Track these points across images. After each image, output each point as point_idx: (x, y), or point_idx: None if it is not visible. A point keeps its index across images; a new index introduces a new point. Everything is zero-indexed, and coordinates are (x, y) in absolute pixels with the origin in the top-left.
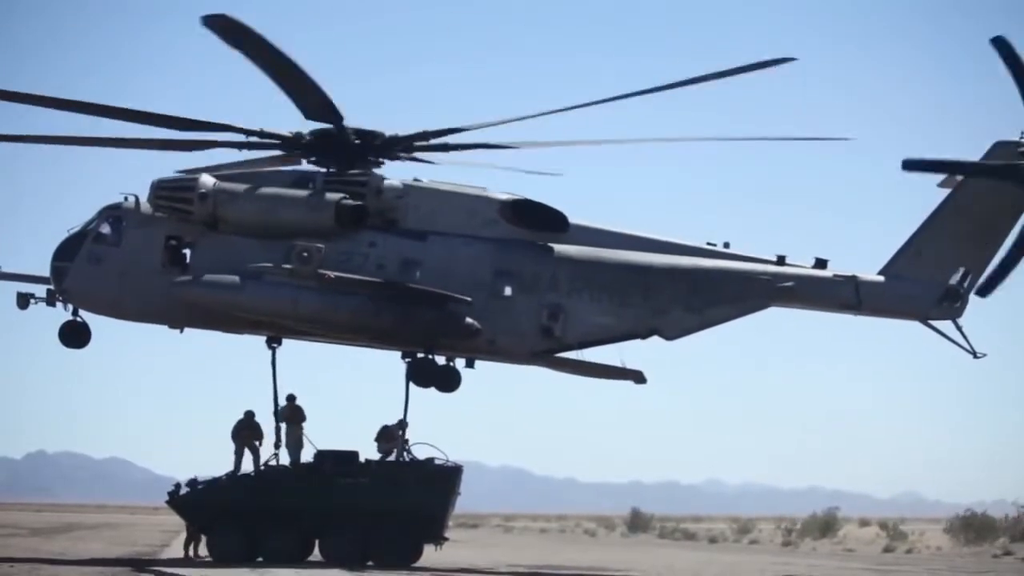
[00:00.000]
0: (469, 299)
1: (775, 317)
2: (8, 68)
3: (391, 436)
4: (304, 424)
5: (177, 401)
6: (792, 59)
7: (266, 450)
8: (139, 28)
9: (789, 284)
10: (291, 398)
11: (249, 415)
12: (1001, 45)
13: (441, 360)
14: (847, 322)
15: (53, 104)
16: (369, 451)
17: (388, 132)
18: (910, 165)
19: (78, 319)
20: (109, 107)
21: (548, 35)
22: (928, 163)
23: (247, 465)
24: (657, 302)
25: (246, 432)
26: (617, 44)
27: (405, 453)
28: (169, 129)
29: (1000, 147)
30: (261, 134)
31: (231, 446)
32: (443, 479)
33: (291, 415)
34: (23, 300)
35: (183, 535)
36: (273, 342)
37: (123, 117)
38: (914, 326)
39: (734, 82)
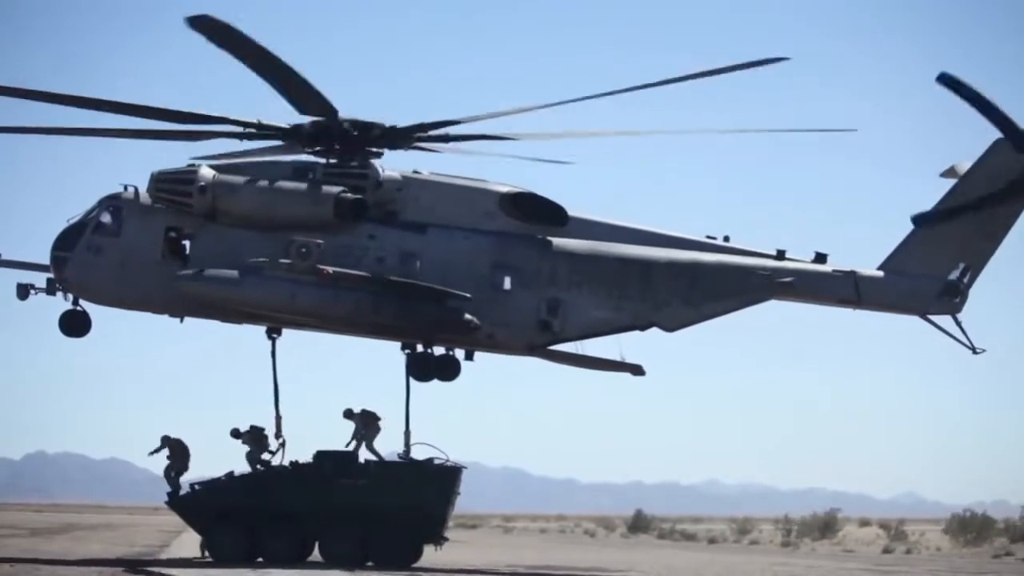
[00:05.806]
0: (468, 295)
1: (775, 318)
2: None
3: None
4: None
5: (178, 401)
6: (785, 58)
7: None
8: (130, 25)
9: (788, 279)
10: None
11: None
12: (948, 81)
13: (440, 350)
14: (847, 322)
15: (52, 99)
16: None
17: (387, 123)
18: (946, 80)
19: (78, 308)
20: (110, 101)
21: (550, 32)
22: (965, 88)
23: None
24: (656, 296)
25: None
26: (621, 41)
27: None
28: (169, 122)
29: (1002, 143)
30: (259, 126)
31: (232, 446)
32: (443, 479)
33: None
34: (23, 290)
35: (184, 536)
36: (273, 332)
37: (123, 111)
38: (913, 325)
39: (734, 79)
